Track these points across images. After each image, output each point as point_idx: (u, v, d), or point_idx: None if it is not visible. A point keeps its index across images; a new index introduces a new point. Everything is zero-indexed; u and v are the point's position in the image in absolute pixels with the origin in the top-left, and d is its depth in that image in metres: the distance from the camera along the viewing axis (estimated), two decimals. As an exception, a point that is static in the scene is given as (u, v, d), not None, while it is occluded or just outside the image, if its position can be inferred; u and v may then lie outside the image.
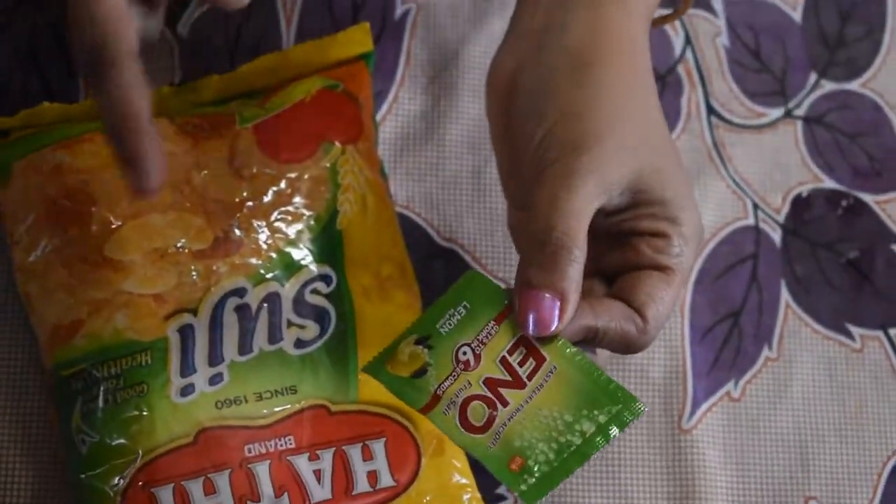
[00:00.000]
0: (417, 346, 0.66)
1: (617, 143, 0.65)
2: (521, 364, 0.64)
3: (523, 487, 0.62)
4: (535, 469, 0.62)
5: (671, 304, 0.66)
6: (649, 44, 0.70)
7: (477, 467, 0.69)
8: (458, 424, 0.64)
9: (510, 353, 0.64)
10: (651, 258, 0.66)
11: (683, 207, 0.66)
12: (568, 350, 0.62)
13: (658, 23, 0.73)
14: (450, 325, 0.66)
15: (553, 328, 0.62)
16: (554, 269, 0.62)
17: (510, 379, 0.64)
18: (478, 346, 0.65)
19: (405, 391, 0.65)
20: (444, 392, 0.64)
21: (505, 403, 0.64)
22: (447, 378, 0.64)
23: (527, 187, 0.67)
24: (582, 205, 0.63)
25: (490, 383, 0.64)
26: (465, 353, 0.65)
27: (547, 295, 0.61)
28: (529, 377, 0.64)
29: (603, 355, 0.69)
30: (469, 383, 0.64)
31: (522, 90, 0.67)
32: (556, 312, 0.62)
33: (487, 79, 0.69)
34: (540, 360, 0.64)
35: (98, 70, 0.60)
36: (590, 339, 0.64)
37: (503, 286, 0.67)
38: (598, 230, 0.65)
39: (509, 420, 0.63)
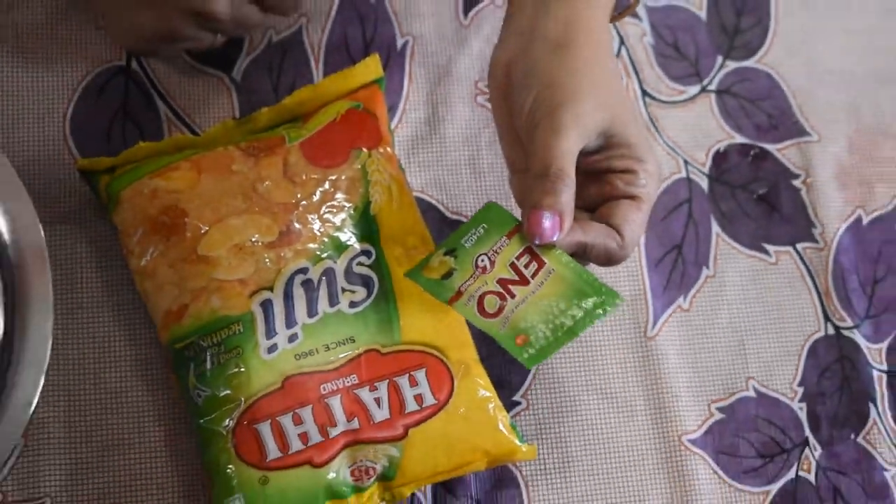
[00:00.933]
0: (446, 256, 0.67)
1: (590, 100, 0.66)
2: (526, 267, 0.66)
3: (525, 356, 0.64)
4: (536, 343, 0.64)
5: (642, 224, 0.67)
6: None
7: (495, 382, 0.69)
8: (477, 313, 0.65)
9: (518, 259, 0.66)
10: (623, 189, 0.66)
11: (646, 149, 0.67)
12: (563, 258, 0.64)
13: (615, 19, 0.73)
14: (471, 241, 0.67)
15: (554, 237, 0.64)
16: (553, 193, 0.63)
17: (517, 278, 0.66)
18: (493, 255, 0.66)
19: (436, 289, 0.66)
20: (465, 289, 0.66)
21: (512, 296, 0.65)
22: (468, 279, 0.66)
23: (524, 146, 0.67)
24: (569, 145, 0.64)
25: (502, 282, 0.66)
26: (482, 261, 0.66)
27: (548, 213, 0.63)
28: (532, 276, 0.66)
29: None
30: (486, 282, 0.66)
31: (515, 75, 0.67)
32: (557, 226, 0.63)
33: (489, 72, 0.69)
34: (541, 265, 0.65)
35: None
36: (580, 253, 0.65)
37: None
38: (580, 169, 0.66)
39: (516, 308, 0.65)
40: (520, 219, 0.66)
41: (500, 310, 0.65)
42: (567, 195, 0.64)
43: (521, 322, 0.65)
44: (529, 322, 0.65)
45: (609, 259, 0.66)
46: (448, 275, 0.67)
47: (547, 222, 0.64)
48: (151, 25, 0.66)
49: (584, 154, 0.66)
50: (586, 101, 0.65)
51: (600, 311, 0.64)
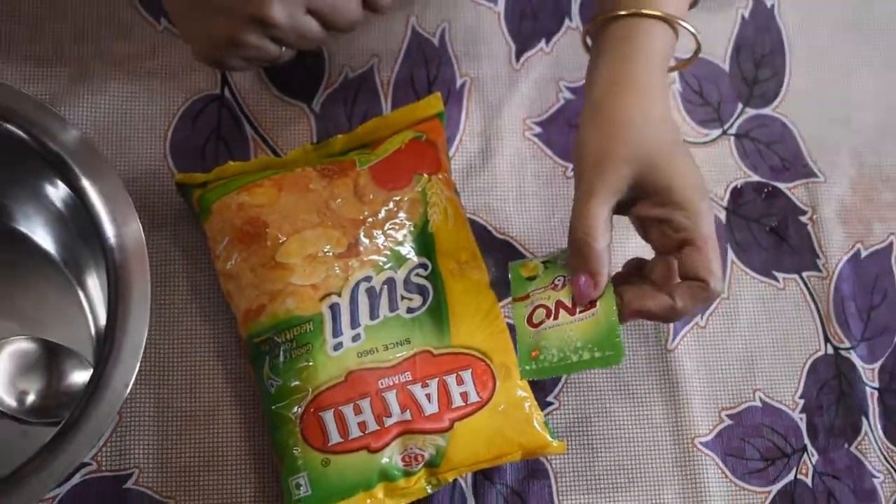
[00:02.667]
0: (540, 264, 0.67)
1: (616, 159, 0.63)
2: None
3: (527, 368, 0.64)
4: (541, 362, 0.64)
5: (711, 260, 0.63)
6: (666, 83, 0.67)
7: (531, 384, 0.67)
8: (525, 317, 0.66)
9: None
10: (674, 237, 0.64)
11: (681, 189, 0.63)
12: (611, 308, 0.62)
13: (674, 68, 0.71)
14: (562, 262, 0.67)
15: (592, 295, 0.62)
16: (579, 256, 0.63)
17: (570, 307, 0.65)
18: (567, 280, 0.66)
19: (517, 284, 0.67)
20: (532, 295, 0.66)
21: (556, 318, 0.65)
22: (540, 289, 0.66)
23: None
24: (591, 209, 0.62)
25: (558, 303, 0.65)
26: (559, 280, 0.66)
27: (583, 276, 0.61)
28: (580, 312, 0.65)
29: None
30: (548, 298, 0.66)
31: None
32: (590, 286, 0.62)
33: None
34: (592, 307, 0.65)
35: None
36: (669, 315, 0.63)
37: None
38: (638, 219, 0.65)
39: (550, 328, 0.65)
40: None
41: (540, 324, 0.66)
42: (592, 257, 0.63)
43: (544, 340, 0.65)
44: (549, 343, 0.65)
45: (705, 303, 0.63)
46: (532, 278, 0.67)
47: (581, 282, 0.64)
48: (218, 32, 0.63)
49: (625, 205, 0.64)
50: (612, 160, 0.63)
51: (601, 363, 0.63)
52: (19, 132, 0.60)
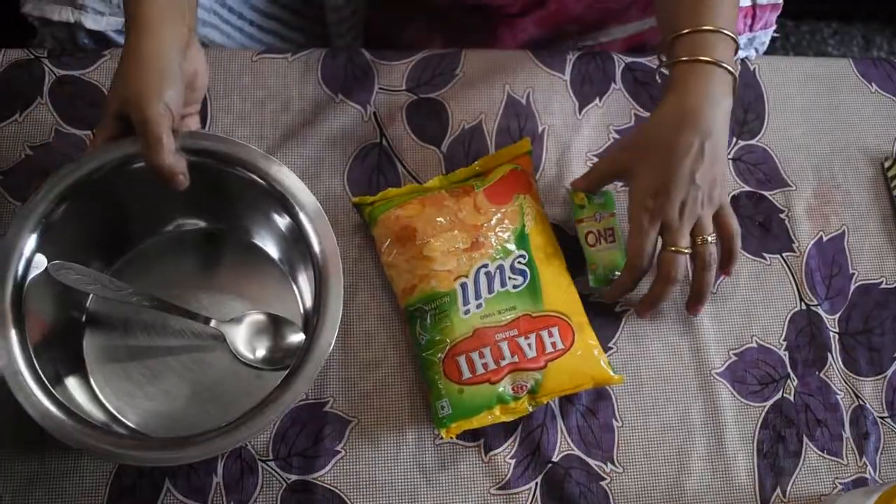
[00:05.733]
0: (584, 196, 0.67)
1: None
2: (609, 233, 0.67)
3: (590, 278, 0.66)
4: (597, 273, 0.66)
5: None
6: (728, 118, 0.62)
7: (597, 335, 0.65)
8: (584, 237, 0.67)
9: (606, 228, 0.67)
10: None
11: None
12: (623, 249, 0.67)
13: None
14: (598, 200, 0.67)
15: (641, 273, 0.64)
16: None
17: (606, 237, 0.67)
18: (601, 216, 0.67)
19: (575, 210, 0.67)
20: (586, 221, 0.67)
21: (598, 245, 0.67)
22: (588, 218, 0.67)
23: None
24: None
25: (598, 233, 0.67)
26: (598, 216, 0.67)
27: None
28: (609, 243, 0.67)
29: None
30: (594, 227, 0.67)
31: None
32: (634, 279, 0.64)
33: None
34: (614, 240, 0.67)
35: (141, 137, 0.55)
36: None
37: None
38: None
39: (597, 251, 0.66)
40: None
41: (593, 246, 0.67)
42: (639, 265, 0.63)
43: (597, 258, 0.67)
44: (599, 261, 0.67)
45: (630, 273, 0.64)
46: (581, 207, 0.67)
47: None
48: None
49: None
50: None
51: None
52: (253, 176, 0.60)
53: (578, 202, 0.68)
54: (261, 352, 0.63)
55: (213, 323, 0.62)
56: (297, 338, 0.64)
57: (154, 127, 0.54)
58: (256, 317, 0.64)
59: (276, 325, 0.64)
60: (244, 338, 0.63)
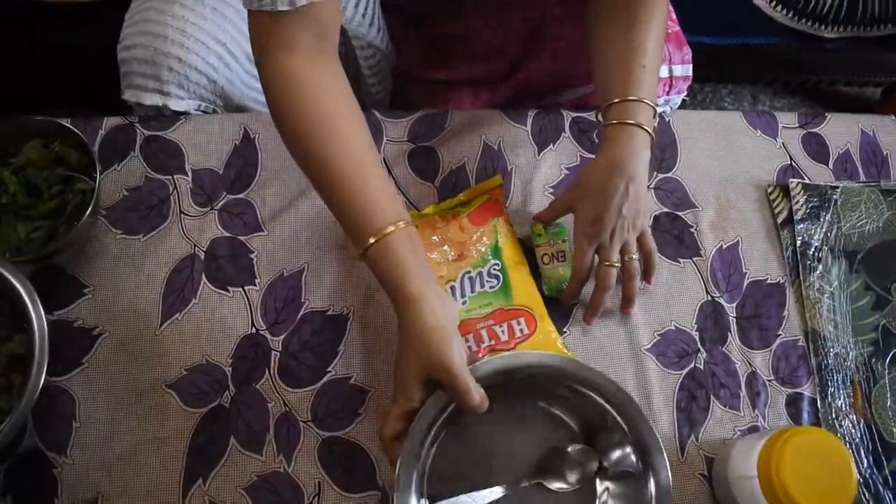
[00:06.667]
0: (541, 226, 0.69)
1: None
2: (561, 255, 0.69)
3: (545, 289, 0.67)
4: (550, 285, 0.66)
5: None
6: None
7: (554, 324, 0.68)
8: (541, 258, 0.67)
9: (560, 251, 0.70)
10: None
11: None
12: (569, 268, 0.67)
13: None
14: (553, 230, 0.69)
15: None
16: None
17: (556, 259, 0.69)
18: (554, 242, 0.68)
19: (534, 237, 0.68)
20: (543, 246, 0.68)
21: (551, 264, 0.67)
22: (545, 243, 0.68)
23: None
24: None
25: (551, 255, 0.68)
26: (552, 242, 0.69)
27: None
28: (559, 262, 0.68)
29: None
30: (548, 250, 0.68)
31: None
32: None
33: None
34: (564, 259, 0.69)
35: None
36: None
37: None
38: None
39: (550, 268, 0.67)
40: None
41: (548, 265, 0.68)
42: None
43: (550, 273, 0.67)
44: (551, 276, 0.68)
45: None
46: (539, 235, 0.69)
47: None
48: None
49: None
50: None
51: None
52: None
53: (537, 231, 0.69)
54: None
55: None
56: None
57: (461, 381, 0.53)
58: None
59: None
60: None
